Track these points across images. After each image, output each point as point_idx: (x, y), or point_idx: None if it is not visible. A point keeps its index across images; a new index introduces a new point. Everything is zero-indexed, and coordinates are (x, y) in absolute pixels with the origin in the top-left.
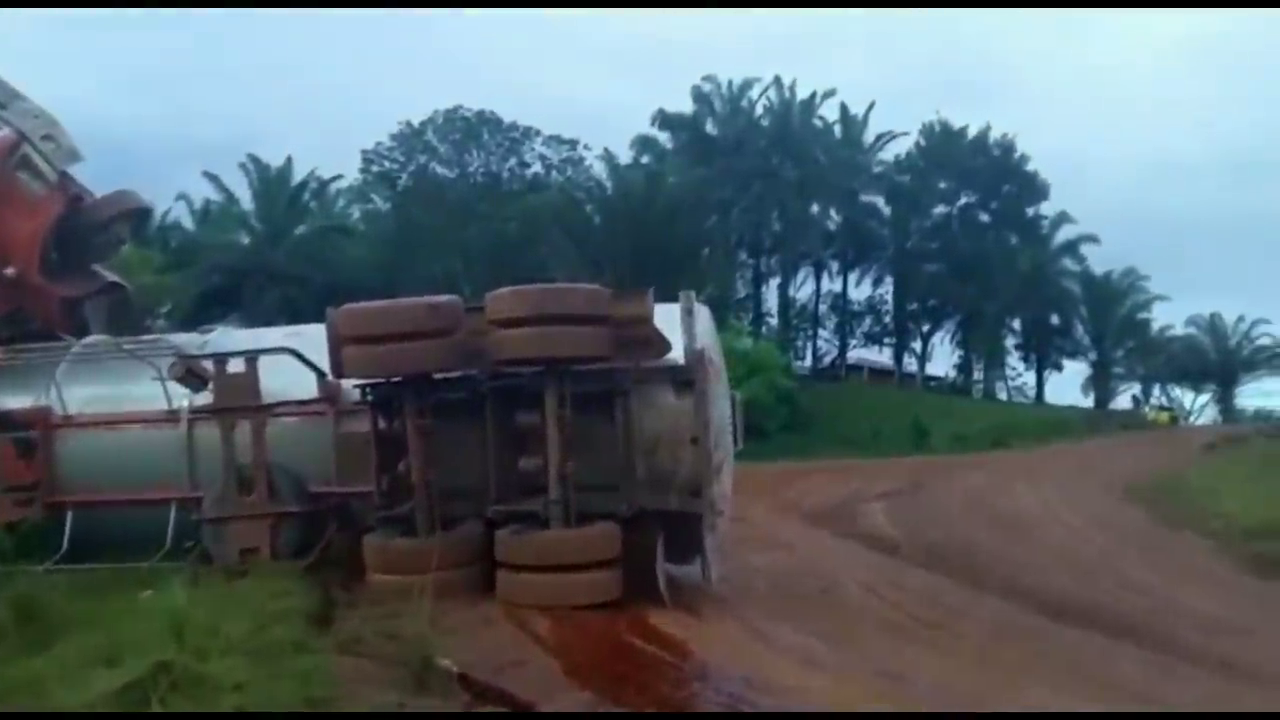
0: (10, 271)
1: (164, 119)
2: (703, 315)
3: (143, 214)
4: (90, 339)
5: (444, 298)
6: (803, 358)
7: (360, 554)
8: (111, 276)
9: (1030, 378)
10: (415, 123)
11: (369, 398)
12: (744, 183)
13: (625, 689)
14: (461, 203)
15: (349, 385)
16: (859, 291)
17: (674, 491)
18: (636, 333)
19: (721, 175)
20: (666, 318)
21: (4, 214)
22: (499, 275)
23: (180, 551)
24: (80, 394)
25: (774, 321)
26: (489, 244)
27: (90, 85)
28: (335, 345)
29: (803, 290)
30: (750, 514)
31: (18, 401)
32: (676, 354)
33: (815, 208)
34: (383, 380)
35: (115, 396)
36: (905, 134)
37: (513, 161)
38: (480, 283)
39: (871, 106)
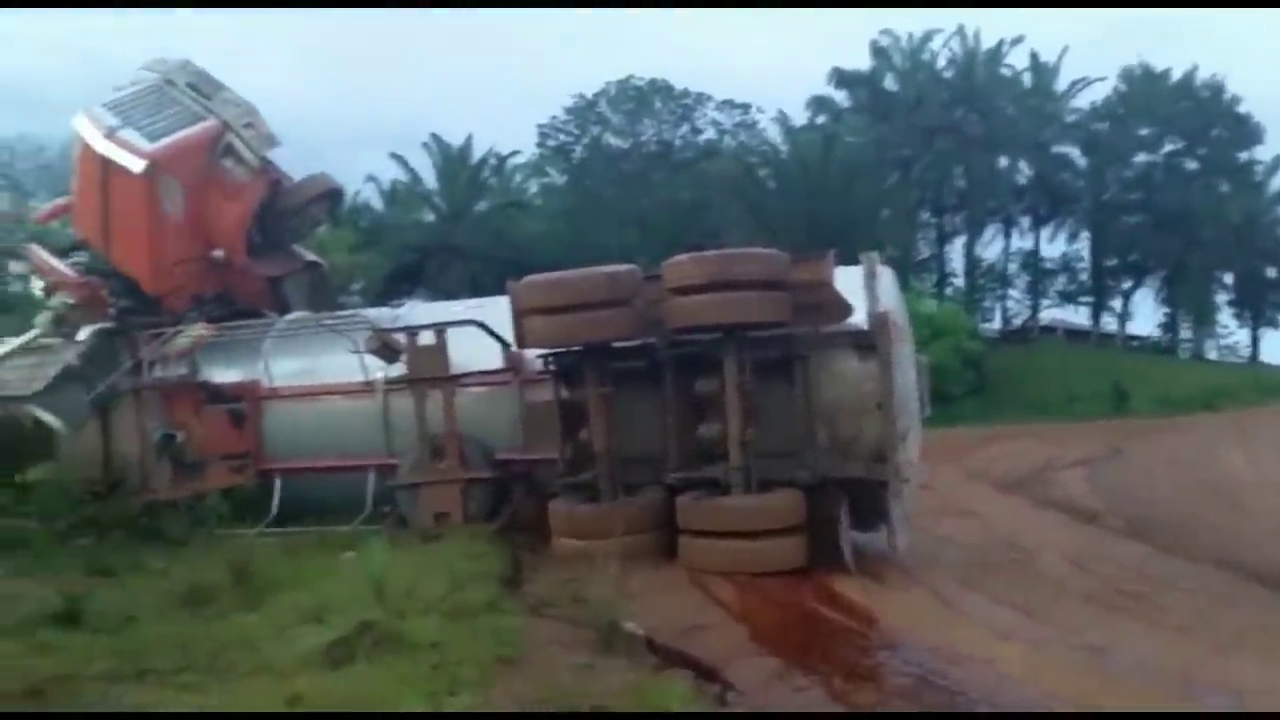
0: (219, 254)
1: (349, 104)
2: (886, 278)
3: (336, 195)
4: (292, 315)
5: (622, 267)
6: (991, 319)
7: (546, 519)
8: (310, 256)
9: (1244, 336)
10: (588, 95)
11: (551, 367)
12: (925, 139)
13: (811, 656)
14: (635, 172)
15: (532, 355)
16: (1052, 248)
17: (857, 458)
18: (816, 297)
19: (901, 132)
20: (848, 281)
21: (211, 199)
22: (673, 244)
23: (378, 515)
24: (284, 367)
25: (959, 282)
26: (663, 213)
27: (279, 74)
28: (518, 316)
29: (990, 249)
30: (938, 481)
31: (228, 375)
32: (859, 318)
33: (1003, 161)
34: (564, 349)
35: (316, 369)
36: (1102, 79)
37: (685, 129)
38: (655, 252)
39: (1064, 52)
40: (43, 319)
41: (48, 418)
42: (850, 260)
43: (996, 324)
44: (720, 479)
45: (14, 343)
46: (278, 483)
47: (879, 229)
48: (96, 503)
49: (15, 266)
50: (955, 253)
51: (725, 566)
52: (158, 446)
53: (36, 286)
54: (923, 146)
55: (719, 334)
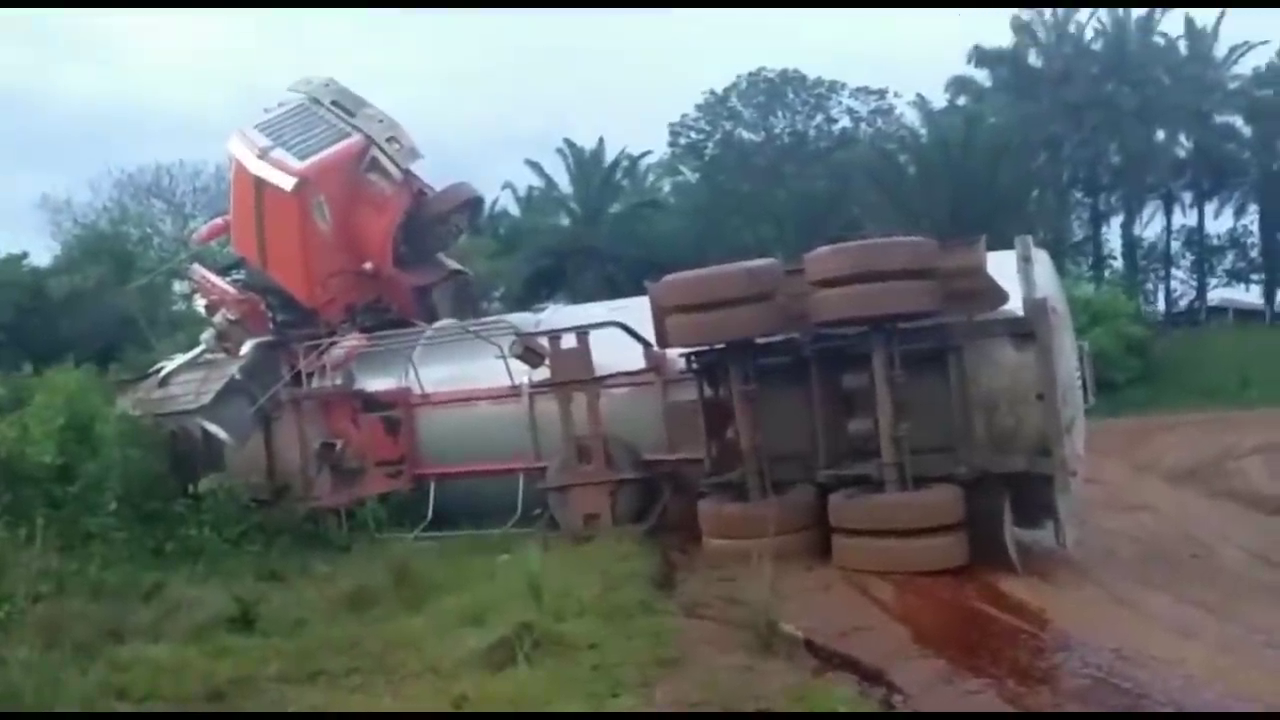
0: (368, 266)
1: (484, 112)
2: (1042, 261)
3: (476, 204)
4: (440, 323)
5: (762, 261)
6: (1154, 302)
7: (695, 519)
8: (454, 265)
9: None
10: (719, 90)
11: (694, 366)
12: (1075, 115)
13: (979, 657)
14: (769, 166)
15: (675, 354)
16: (1218, 224)
17: (1019, 451)
18: (968, 284)
19: (1049, 109)
20: (1000, 267)
21: (359, 213)
22: (810, 237)
23: (530, 518)
24: (434, 374)
25: (1118, 264)
26: (798, 206)
27: (416, 87)
28: (658, 316)
29: (1150, 228)
30: (1105, 474)
31: (381, 383)
32: (1014, 305)
33: (1160, 134)
34: (706, 348)
35: (464, 375)
36: (1265, 43)
37: (819, 118)
38: (791, 246)
39: (1222, 16)
40: (207, 335)
41: (215, 430)
42: (1001, 245)
43: (1160, 307)
44: (873, 475)
45: (181, 359)
46: (432, 487)
47: (1029, 212)
48: (263, 510)
49: (179, 286)
50: (1112, 234)
51: (882, 566)
52: (318, 454)
53: (199, 304)
54: (1072, 123)
55: (865, 327)
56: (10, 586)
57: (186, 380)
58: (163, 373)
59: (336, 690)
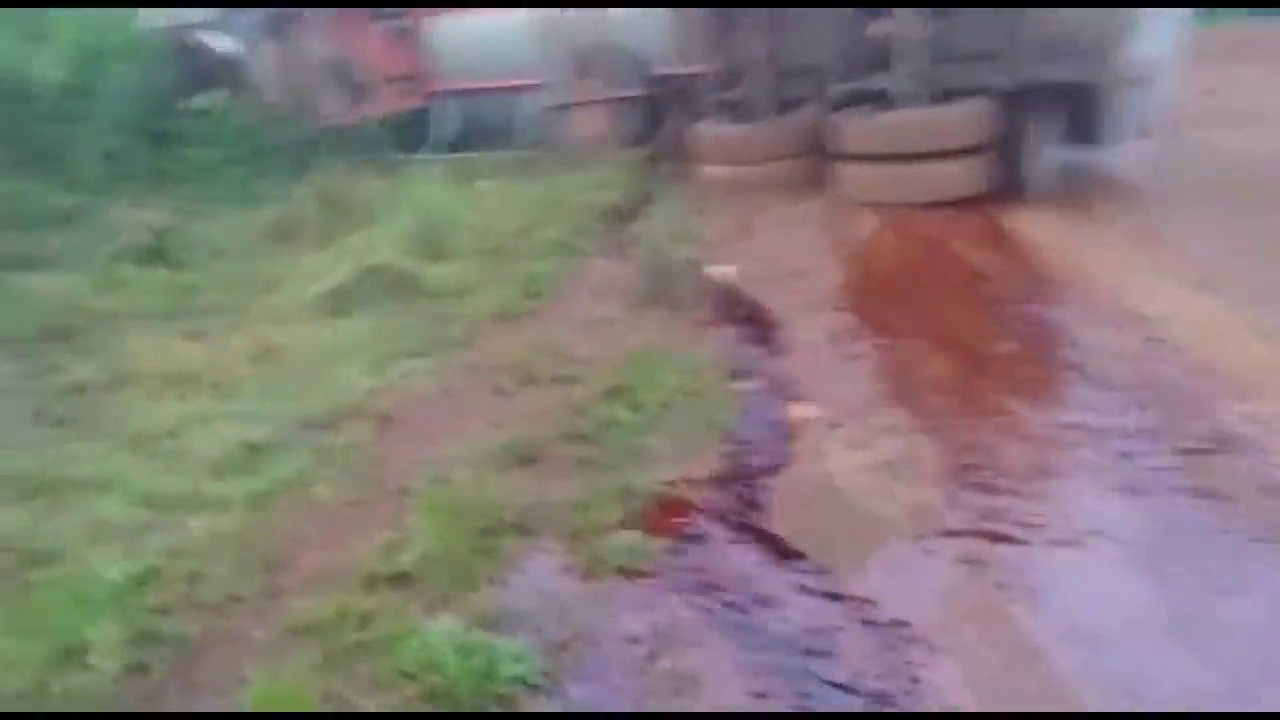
0: None
1: None
2: None
3: None
4: None
5: None
6: None
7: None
8: None
9: None
10: None
11: None
12: None
13: (896, 312)
14: None
15: None
16: None
17: (1074, 57)
18: None
19: None
20: None
21: None
22: None
23: (531, 140)
24: None
25: None
26: None
27: None
28: None
29: None
30: (1239, 82)
31: None
32: None
33: None
34: None
35: None
36: None
37: None
38: None
39: None
40: None
41: (216, 41)
42: None
43: None
44: (890, 90)
45: None
46: (446, 106)
47: None
48: (274, 128)
49: None
50: None
51: (884, 196)
52: (326, 70)
53: None
54: None
55: None
56: None
57: None
58: None
59: (165, 336)
